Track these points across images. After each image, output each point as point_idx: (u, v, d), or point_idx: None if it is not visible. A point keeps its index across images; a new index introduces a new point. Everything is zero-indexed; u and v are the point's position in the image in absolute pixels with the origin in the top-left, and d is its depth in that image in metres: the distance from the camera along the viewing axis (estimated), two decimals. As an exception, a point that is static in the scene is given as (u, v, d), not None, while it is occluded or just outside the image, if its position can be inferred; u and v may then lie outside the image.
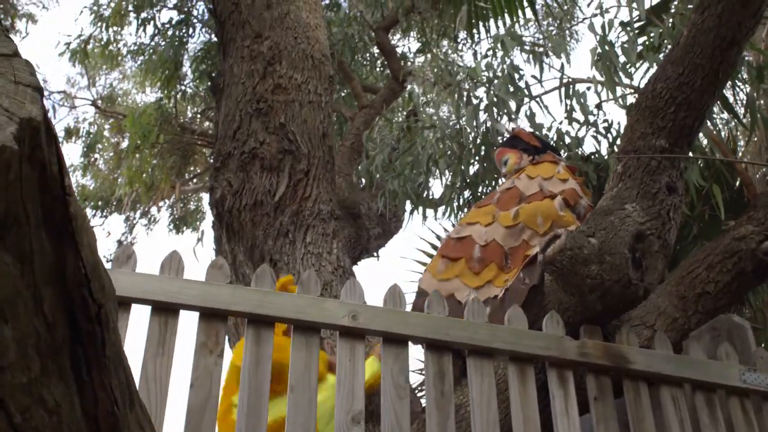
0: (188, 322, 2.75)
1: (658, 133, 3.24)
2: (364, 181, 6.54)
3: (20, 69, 1.24)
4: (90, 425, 1.52)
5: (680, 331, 3.55)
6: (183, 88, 8.39)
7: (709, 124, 4.51)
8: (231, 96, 4.86)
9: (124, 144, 9.32)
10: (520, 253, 3.68)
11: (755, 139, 4.72)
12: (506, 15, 6.14)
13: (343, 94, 7.85)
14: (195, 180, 9.49)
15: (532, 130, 4.66)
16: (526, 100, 4.76)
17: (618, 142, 4.94)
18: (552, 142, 4.63)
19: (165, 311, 2.59)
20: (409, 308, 3.94)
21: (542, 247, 3.03)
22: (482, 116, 4.89)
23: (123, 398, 1.54)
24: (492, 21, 6.63)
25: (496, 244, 3.77)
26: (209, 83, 7.66)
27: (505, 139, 4.66)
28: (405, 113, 6.98)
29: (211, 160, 8.91)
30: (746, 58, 4.29)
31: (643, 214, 3.12)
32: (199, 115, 8.84)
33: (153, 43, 8.24)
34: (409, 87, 6.13)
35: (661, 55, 4.34)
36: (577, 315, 3.10)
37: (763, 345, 5.20)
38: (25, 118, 1.17)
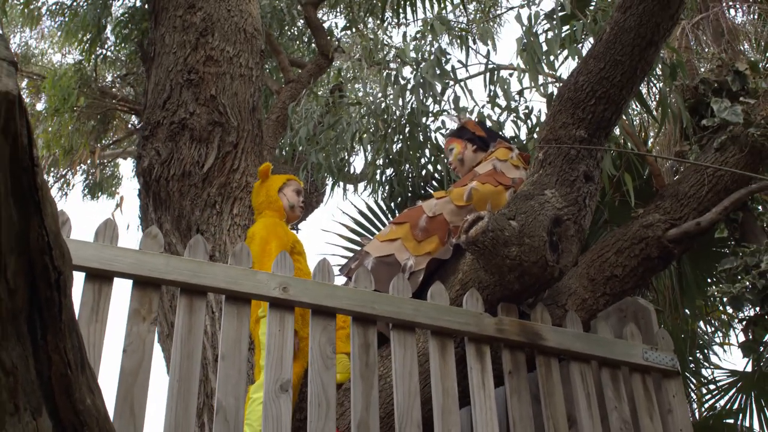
0: (122, 289, 2.79)
1: (578, 124, 3.41)
2: (285, 153, 6.58)
3: (-4, 43, 1.28)
4: (43, 386, 1.57)
5: (589, 311, 3.77)
6: (104, 51, 8.22)
7: (623, 116, 4.73)
8: (162, 65, 4.83)
9: (40, 106, 9.09)
10: None
11: (664, 132, 4.97)
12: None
13: (268, 68, 7.82)
14: (112, 146, 9.32)
15: (478, 120, 4.80)
16: (451, 83, 4.88)
17: (537, 128, 5.13)
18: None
19: (99, 278, 2.63)
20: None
21: (465, 228, 3.16)
22: (408, 96, 5.00)
23: (76, 361, 1.60)
24: (419, 3, 6.74)
25: (443, 218, 3.91)
26: (134, 49, 7.53)
27: (452, 129, 4.79)
28: (329, 89, 7.04)
29: (132, 126, 8.78)
30: (661, 56, 4.51)
31: (562, 200, 3.29)
32: (119, 80, 8.69)
33: (75, 4, 8.04)
34: (337, 63, 6.19)
35: (579, 46, 4.53)
36: (495, 293, 3.26)
37: (662, 326, 5.50)
38: (2, 92, 1.22)
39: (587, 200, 3.37)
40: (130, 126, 8.98)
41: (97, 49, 8.00)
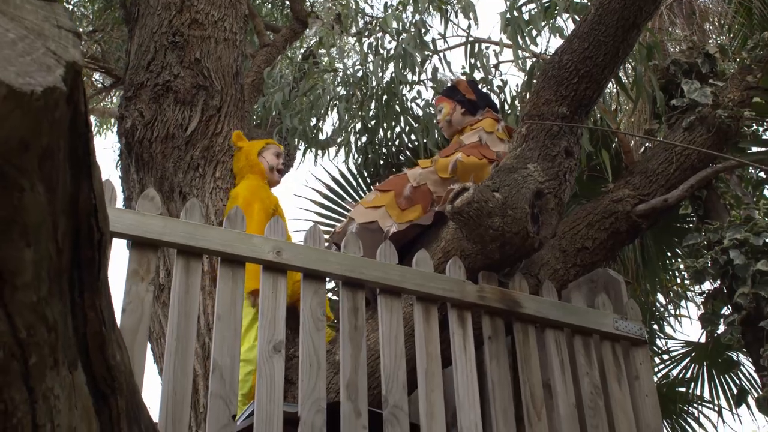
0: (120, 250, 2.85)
1: (561, 101, 3.53)
2: (258, 117, 6.60)
3: (60, 14, 1.33)
4: (79, 342, 1.65)
5: (560, 281, 3.92)
6: (70, 7, 8.09)
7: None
8: (146, 26, 4.82)
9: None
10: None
11: (633, 109, 5.12)
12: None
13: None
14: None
15: (473, 80, 4.85)
16: (431, 54, 4.96)
17: (508, 100, 5.24)
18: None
19: (99, 238, 2.67)
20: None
21: (451, 198, 3.27)
22: (386, 65, 5.07)
23: (108, 319, 1.67)
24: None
25: (426, 188, 4.00)
26: (102, 5, 7.44)
27: (444, 88, 4.84)
28: (303, 54, 7.05)
29: (100, 84, 8.68)
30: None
31: (543, 174, 3.41)
32: (86, 37, 8.56)
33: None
34: (314, 29, 6.21)
35: (553, 21, 4.65)
36: (476, 262, 3.38)
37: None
38: (70, 62, 1.28)
39: (567, 175, 3.50)
40: (97, 84, 8.88)
41: (64, 3, 7.88)
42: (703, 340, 6.12)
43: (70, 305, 1.62)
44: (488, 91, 5.08)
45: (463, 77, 4.84)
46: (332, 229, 4.32)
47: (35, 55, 1.26)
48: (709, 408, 6.25)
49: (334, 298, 5.62)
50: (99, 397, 1.72)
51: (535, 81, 3.76)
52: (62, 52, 1.30)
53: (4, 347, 1.35)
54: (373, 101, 5.22)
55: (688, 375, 6.21)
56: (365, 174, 5.74)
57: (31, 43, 1.27)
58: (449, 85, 4.72)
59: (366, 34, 5.16)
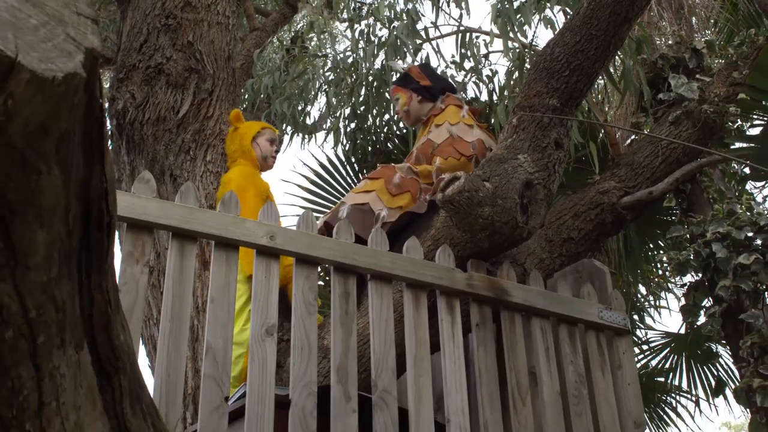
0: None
1: (552, 93, 3.58)
2: (246, 99, 6.59)
3: (80, 0, 1.36)
4: (85, 323, 1.68)
5: (545, 270, 3.97)
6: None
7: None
8: (138, 8, 4.82)
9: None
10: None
11: (621, 102, 5.18)
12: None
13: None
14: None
15: (425, 63, 4.87)
16: (423, 42, 4.99)
17: (496, 91, 5.28)
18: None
19: (95, 220, 2.69)
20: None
21: (442, 187, 3.32)
22: (377, 52, 5.10)
23: (114, 300, 1.70)
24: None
25: (414, 178, 4.06)
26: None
27: (398, 76, 4.86)
28: (290, 39, 7.06)
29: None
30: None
31: (533, 165, 3.46)
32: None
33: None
34: (302, 12, 6.23)
35: (545, 13, 4.70)
36: (466, 250, 3.43)
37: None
38: (89, 48, 1.30)
39: (556, 166, 3.55)
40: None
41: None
42: (682, 331, 6.22)
43: (78, 286, 1.65)
44: (474, 81, 5.13)
45: (413, 65, 4.81)
46: (320, 216, 4.37)
47: (56, 41, 1.27)
48: (686, 398, 6.36)
49: (320, 283, 5.66)
50: (103, 377, 1.75)
51: (525, 71, 3.81)
52: (81, 39, 1.32)
53: (13, 326, 1.37)
54: (363, 88, 5.24)
55: (667, 365, 6.31)
56: (353, 160, 5.77)
57: (52, 29, 1.28)
58: (401, 74, 4.72)
59: (357, 20, 5.18)
